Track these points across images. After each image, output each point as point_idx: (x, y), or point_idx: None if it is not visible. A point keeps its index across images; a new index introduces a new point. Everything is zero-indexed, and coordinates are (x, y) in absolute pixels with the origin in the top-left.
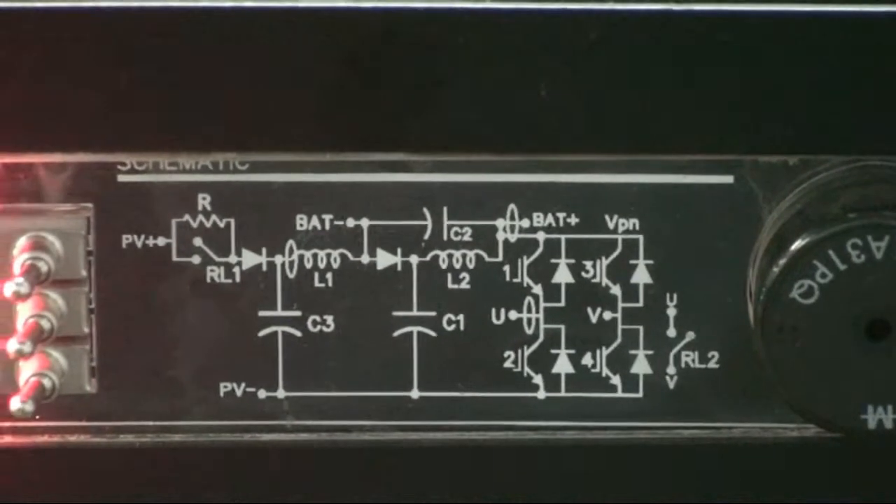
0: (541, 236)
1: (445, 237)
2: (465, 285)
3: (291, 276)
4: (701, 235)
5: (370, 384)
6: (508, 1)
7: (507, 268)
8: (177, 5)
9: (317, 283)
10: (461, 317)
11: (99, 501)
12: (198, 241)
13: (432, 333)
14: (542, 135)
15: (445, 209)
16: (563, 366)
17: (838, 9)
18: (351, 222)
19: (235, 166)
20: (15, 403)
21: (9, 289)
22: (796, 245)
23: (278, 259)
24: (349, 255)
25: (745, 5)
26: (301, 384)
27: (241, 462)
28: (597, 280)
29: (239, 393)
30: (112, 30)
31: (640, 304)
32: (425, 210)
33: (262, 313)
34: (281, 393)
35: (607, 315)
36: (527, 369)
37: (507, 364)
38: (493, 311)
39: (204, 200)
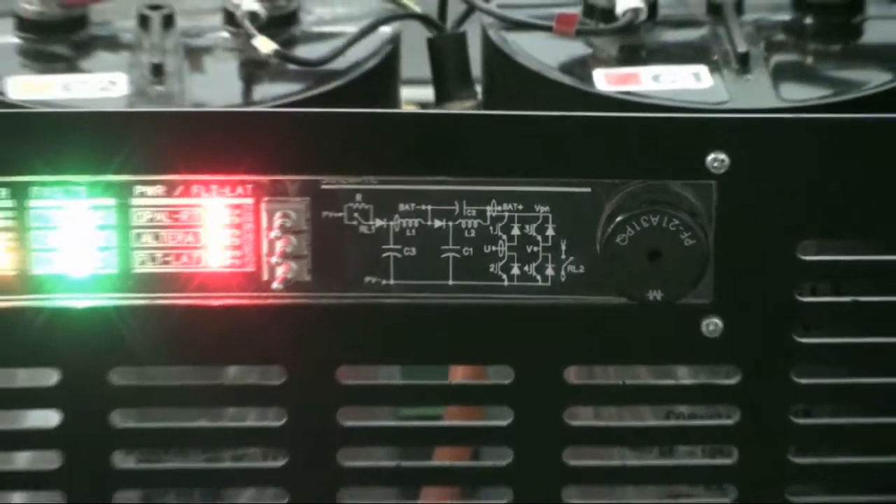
0: (507, 214)
1: (474, 213)
2: (472, 235)
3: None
4: (578, 214)
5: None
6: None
7: (492, 227)
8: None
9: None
10: (470, 250)
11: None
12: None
13: (459, 256)
14: (515, 170)
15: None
16: (516, 270)
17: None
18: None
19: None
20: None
21: None
22: (618, 219)
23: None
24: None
25: (601, 112)
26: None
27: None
28: (532, 234)
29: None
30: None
31: (550, 244)
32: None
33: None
34: (391, 281)
35: (535, 248)
36: (500, 273)
37: (491, 270)
38: (485, 247)
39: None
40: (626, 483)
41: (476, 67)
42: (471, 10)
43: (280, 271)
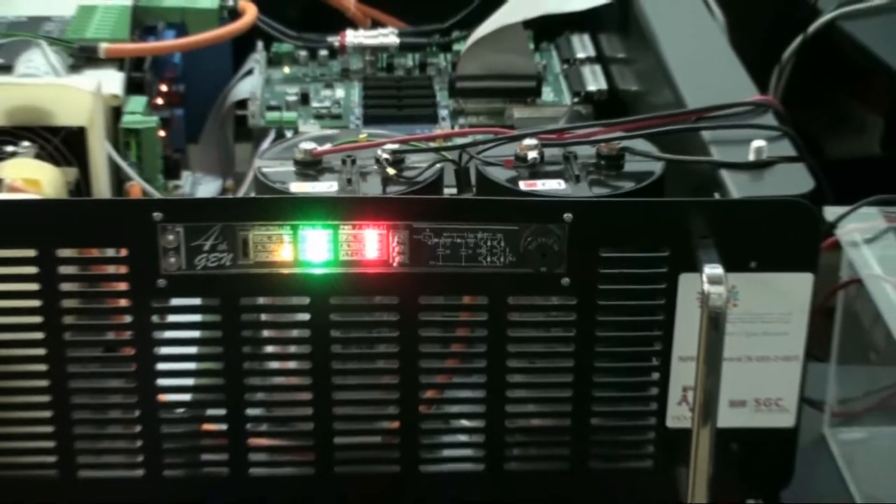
0: (486, 236)
1: (472, 236)
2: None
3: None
4: (514, 238)
5: None
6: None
7: (479, 241)
8: None
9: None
10: (471, 250)
11: None
12: None
13: (466, 253)
14: (488, 219)
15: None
16: (489, 258)
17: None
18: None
19: None
20: None
21: None
22: (529, 238)
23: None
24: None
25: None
26: None
27: None
28: (495, 245)
29: None
30: None
31: (502, 248)
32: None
33: None
34: (439, 262)
35: (496, 249)
36: (482, 259)
37: (478, 258)
38: (477, 249)
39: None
40: (531, 331)
41: (473, 181)
42: (471, 158)
43: (396, 259)
